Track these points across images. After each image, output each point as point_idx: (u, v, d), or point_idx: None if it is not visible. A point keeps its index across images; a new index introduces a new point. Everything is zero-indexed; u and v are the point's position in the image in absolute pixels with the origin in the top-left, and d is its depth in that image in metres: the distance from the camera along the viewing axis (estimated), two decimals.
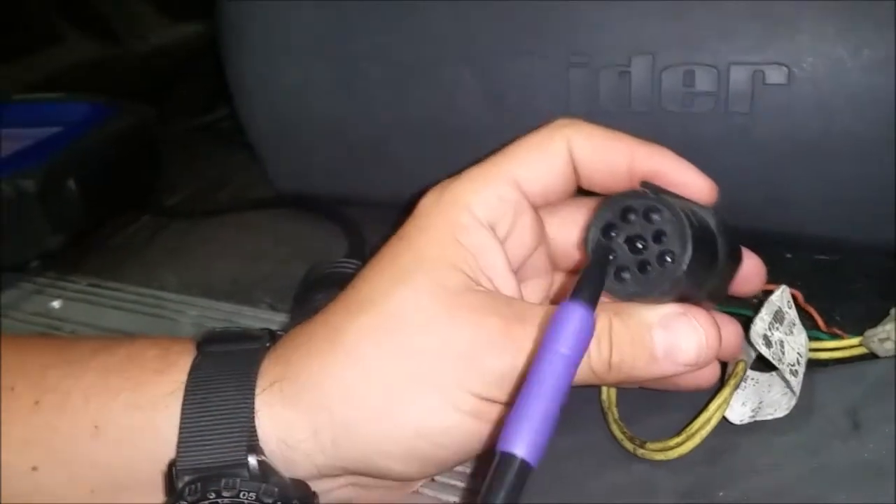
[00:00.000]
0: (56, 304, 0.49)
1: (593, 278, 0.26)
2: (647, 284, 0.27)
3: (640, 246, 0.28)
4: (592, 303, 0.24)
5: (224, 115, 0.73)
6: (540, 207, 0.32)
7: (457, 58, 0.46)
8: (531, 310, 0.28)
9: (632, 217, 0.28)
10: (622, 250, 0.28)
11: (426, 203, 0.31)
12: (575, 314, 0.23)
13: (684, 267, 0.27)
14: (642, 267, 0.28)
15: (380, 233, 0.31)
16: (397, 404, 0.27)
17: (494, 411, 0.28)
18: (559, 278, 0.35)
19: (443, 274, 0.28)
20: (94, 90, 0.64)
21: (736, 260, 0.32)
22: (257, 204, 0.61)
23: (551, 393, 0.21)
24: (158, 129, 0.64)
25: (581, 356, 0.23)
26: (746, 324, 0.32)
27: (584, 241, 0.28)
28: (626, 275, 0.28)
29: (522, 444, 0.20)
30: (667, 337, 0.28)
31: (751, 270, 0.33)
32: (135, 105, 0.62)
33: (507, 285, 0.30)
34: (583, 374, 0.28)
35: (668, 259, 0.27)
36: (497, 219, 0.30)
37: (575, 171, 0.31)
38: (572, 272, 0.35)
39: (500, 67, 0.45)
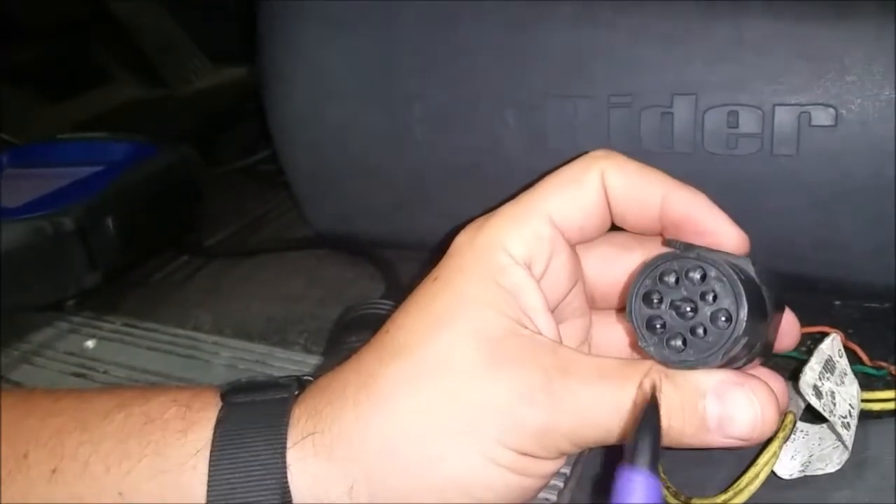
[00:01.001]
0: (90, 343, 0.49)
1: (649, 435, 0.24)
2: (705, 349, 0.26)
3: (688, 310, 0.26)
4: (654, 466, 0.22)
5: (265, 157, 0.74)
6: (575, 243, 0.31)
7: (499, 100, 0.45)
8: (574, 359, 0.27)
9: (672, 279, 0.27)
10: (669, 317, 0.27)
11: (461, 242, 0.30)
12: (639, 486, 0.21)
13: (743, 325, 0.25)
14: (694, 331, 0.26)
15: (417, 276, 0.30)
16: (435, 457, 0.26)
17: (535, 466, 0.27)
18: (597, 318, 0.34)
19: (484, 317, 0.27)
20: (140, 131, 0.65)
21: (781, 310, 0.30)
22: (295, 245, 0.61)
23: None
24: (200, 170, 0.65)
25: None
26: (794, 372, 0.31)
27: (628, 312, 0.27)
28: (677, 342, 0.27)
29: None
30: (721, 407, 0.26)
31: (784, 325, 0.31)
32: (176, 145, 0.63)
33: (546, 327, 0.29)
34: (625, 436, 0.26)
35: (723, 318, 0.26)
36: (533, 257, 0.29)
37: (608, 205, 0.30)
38: (617, 310, 0.33)
39: (542, 109, 0.44)
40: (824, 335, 0.33)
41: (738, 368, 0.28)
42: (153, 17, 0.97)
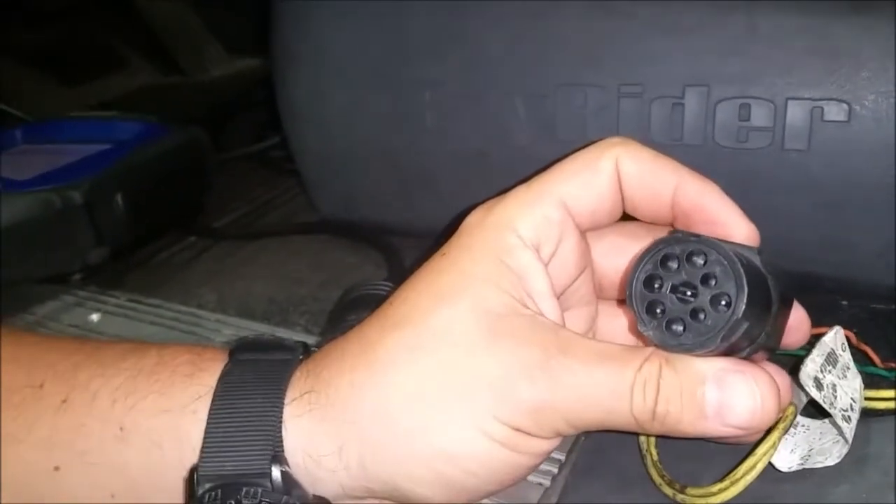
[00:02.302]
0: (95, 317, 0.49)
1: None
2: (704, 333, 0.26)
3: (689, 294, 0.26)
4: None
5: (274, 143, 0.74)
6: (586, 230, 0.31)
7: (509, 88, 0.45)
8: (574, 341, 0.27)
9: (674, 264, 0.27)
10: (670, 301, 0.26)
11: (471, 222, 0.30)
12: None
13: (743, 307, 0.25)
14: (695, 315, 0.26)
15: (422, 261, 0.30)
16: (427, 425, 0.26)
17: (528, 443, 0.27)
18: (604, 307, 0.34)
19: (487, 295, 0.27)
20: (154, 115, 0.65)
21: (788, 305, 0.30)
22: (300, 229, 0.61)
23: None
24: (211, 155, 0.65)
25: None
26: (796, 365, 0.30)
27: (628, 296, 0.27)
28: (678, 326, 0.26)
29: None
30: (720, 395, 0.26)
31: (793, 321, 0.31)
32: (186, 127, 0.63)
33: (550, 310, 0.29)
34: (622, 420, 0.26)
35: (723, 302, 0.25)
36: (542, 240, 0.29)
37: (620, 192, 0.30)
38: (619, 300, 0.33)
39: (552, 98, 0.44)
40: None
41: (742, 360, 0.27)
42: (171, 4, 0.98)
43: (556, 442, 0.28)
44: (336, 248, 0.57)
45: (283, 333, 0.46)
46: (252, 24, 0.69)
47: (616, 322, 0.34)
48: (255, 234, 0.62)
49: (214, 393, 0.28)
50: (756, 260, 0.28)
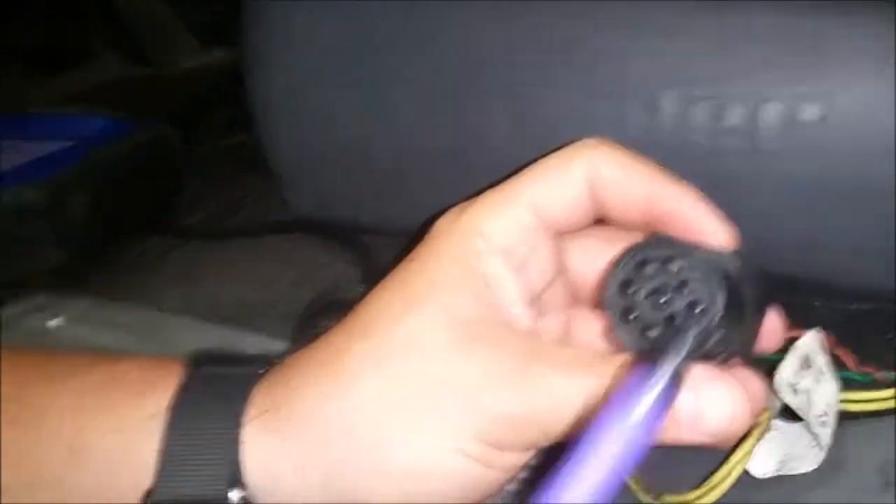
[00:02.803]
0: (54, 322, 0.48)
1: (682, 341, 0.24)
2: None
3: (663, 300, 0.26)
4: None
5: (245, 139, 0.73)
6: (558, 234, 0.30)
7: (482, 87, 0.45)
8: (547, 348, 0.27)
9: (649, 270, 0.27)
10: (644, 307, 0.26)
11: (440, 226, 0.29)
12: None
13: (718, 317, 0.25)
14: (669, 322, 0.26)
15: (395, 261, 0.30)
16: (395, 440, 0.26)
17: (502, 458, 0.26)
18: (579, 312, 0.33)
19: (457, 302, 0.27)
20: (123, 110, 0.64)
21: (763, 310, 0.30)
22: (272, 228, 0.60)
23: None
24: (179, 150, 0.64)
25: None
26: (771, 369, 0.30)
27: (602, 301, 0.27)
28: (654, 333, 0.26)
29: None
30: (693, 402, 0.25)
31: (767, 324, 0.30)
32: (153, 123, 0.62)
33: (522, 316, 0.28)
34: None
35: (698, 310, 0.26)
36: (513, 245, 0.28)
37: (593, 197, 0.29)
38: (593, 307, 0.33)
39: (526, 97, 0.43)
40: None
41: (716, 366, 0.27)
42: None
43: (528, 455, 0.27)
44: (309, 248, 0.56)
45: (252, 337, 0.45)
46: (225, 15, 0.68)
47: (591, 327, 0.33)
48: (225, 233, 0.61)
49: (169, 411, 0.27)
50: (733, 264, 0.27)
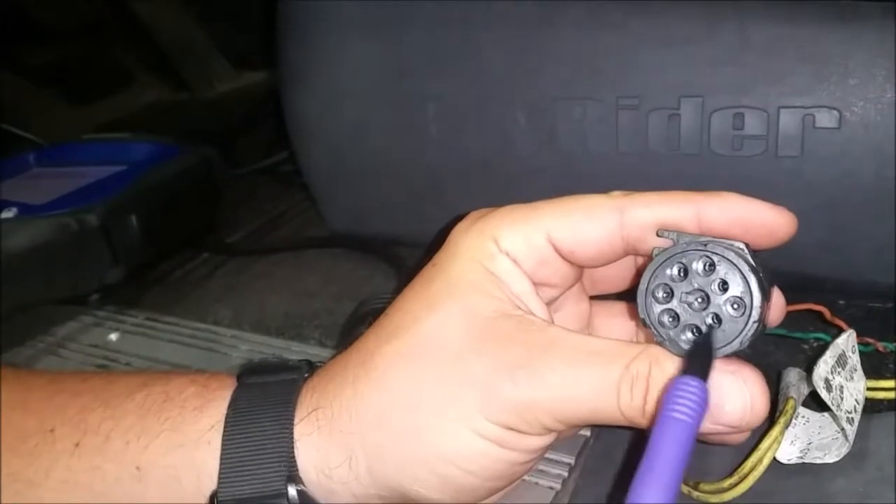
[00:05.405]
0: (113, 336, 0.50)
1: (704, 348, 0.25)
2: (723, 340, 0.26)
3: (698, 301, 0.27)
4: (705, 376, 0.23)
5: (283, 158, 0.75)
6: (574, 263, 0.31)
7: (510, 101, 0.46)
8: (563, 338, 0.28)
9: (677, 272, 0.27)
10: (681, 310, 0.27)
11: (458, 230, 0.31)
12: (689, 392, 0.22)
13: (759, 311, 0.26)
14: (715, 320, 0.27)
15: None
16: (423, 428, 0.28)
17: (520, 440, 0.28)
18: (596, 304, 0.34)
19: (474, 299, 0.29)
20: (163, 133, 0.67)
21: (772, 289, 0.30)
22: (312, 243, 0.62)
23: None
24: (222, 171, 0.66)
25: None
26: (778, 341, 0.31)
27: (640, 311, 0.28)
28: (691, 335, 0.27)
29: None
30: (711, 394, 0.26)
31: (774, 301, 0.31)
32: (197, 146, 0.64)
33: (538, 309, 0.30)
34: (609, 416, 0.27)
35: (736, 306, 0.26)
36: (521, 257, 0.30)
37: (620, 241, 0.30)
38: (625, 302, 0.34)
39: (552, 110, 0.45)
40: (824, 320, 0.33)
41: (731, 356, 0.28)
42: (175, 19, 0.99)
43: (549, 438, 0.29)
44: (348, 261, 0.58)
45: (298, 347, 0.47)
46: (258, 38, 0.70)
47: (608, 317, 0.34)
48: (267, 249, 0.63)
49: (226, 420, 0.29)
50: (748, 255, 0.28)
